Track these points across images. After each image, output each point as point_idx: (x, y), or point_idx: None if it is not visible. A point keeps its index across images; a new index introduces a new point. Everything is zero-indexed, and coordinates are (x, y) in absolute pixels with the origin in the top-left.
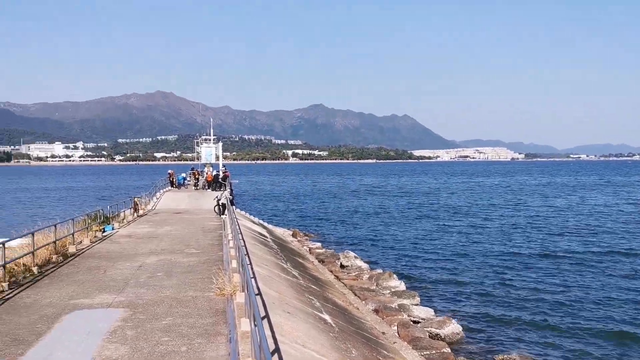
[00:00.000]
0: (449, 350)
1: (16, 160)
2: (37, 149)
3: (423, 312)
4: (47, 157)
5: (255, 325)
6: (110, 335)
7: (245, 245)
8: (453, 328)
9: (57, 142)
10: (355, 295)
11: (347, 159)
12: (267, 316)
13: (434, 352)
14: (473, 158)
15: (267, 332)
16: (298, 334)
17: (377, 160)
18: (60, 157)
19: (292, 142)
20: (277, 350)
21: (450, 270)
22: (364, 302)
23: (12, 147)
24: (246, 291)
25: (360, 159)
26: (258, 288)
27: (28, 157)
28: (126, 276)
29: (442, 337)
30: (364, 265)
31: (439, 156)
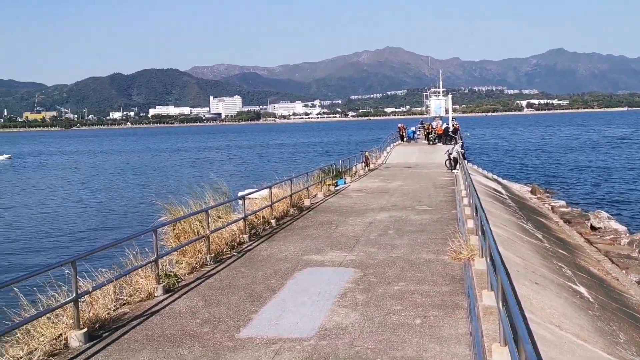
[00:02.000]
0: None
1: (264, 119)
2: (281, 108)
3: None
4: (289, 115)
5: (503, 305)
6: (340, 299)
7: (480, 204)
8: None
9: (297, 101)
10: (613, 263)
11: (592, 108)
12: (511, 288)
13: None
14: None
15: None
16: (550, 311)
17: (629, 108)
18: (300, 115)
19: (526, 91)
20: (527, 332)
21: None
22: (624, 271)
23: (261, 106)
24: (487, 258)
25: (608, 107)
26: (499, 253)
27: (274, 115)
28: (357, 233)
29: None
30: (621, 228)
31: None
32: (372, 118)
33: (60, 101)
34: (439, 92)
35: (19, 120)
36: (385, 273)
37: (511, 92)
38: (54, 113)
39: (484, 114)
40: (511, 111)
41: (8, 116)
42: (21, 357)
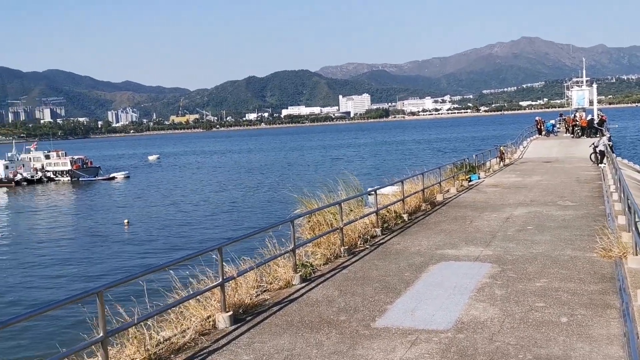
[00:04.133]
0: None
1: (393, 116)
2: (410, 105)
3: None
4: (418, 111)
5: None
6: (477, 293)
7: (633, 199)
8: None
9: (427, 97)
10: None
11: None
12: None
13: None
14: None
15: None
16: None
17: None
18: (430, 111)
19: None
20: None
21: None
22: None
23: (389, 104)
24: None
25: None
26: None
27: (402, 112)
28: (493, 228)
29: None
30: None
31: None
32: (505, 112)
33: (201, 104)
34: (581, 83)
35: (166, 123)
36: (525, 269)
37: None
38: (196, 116)
39: (634, 104)
40: None
41: (157, 119)
42: (175, 335)
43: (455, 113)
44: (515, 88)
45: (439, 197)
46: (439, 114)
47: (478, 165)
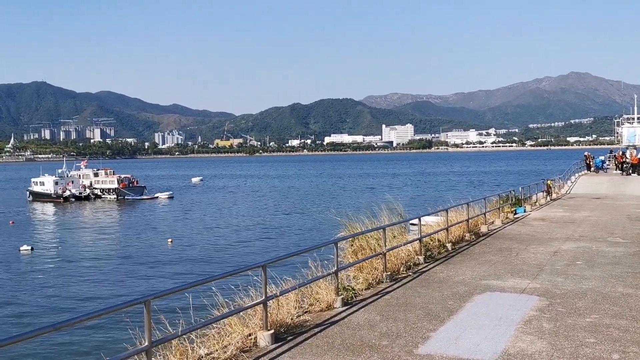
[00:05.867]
0: None
1: (436, 147)
2: (453, 137)
3: None
4: (462, 143)
5: None
6: (524, 325)
7: None
8: None
9: (471, 130)
10: None
11: None
12: None
13: None
14: None
15: None
16: None
17: None
18: (474, 144)
19: None
20: None
21: None
22: None
23: (432, 135)
24: None
25: None
26: None
27: (446, 144)
28: (540, 261)
29: None
30: None
31: None
32: (552, 147)
33: (246, 129)
34: (633, 119)
35: (210, 146)
36: (574, 304)
37: None
38: (240, 140)
39: None
40: None
41: (202, 142)
42: (217, 350)
43: (500, 146)
44: (562, 123)
45: (484, 228)
46: (483, 146)
47: (524, 198)
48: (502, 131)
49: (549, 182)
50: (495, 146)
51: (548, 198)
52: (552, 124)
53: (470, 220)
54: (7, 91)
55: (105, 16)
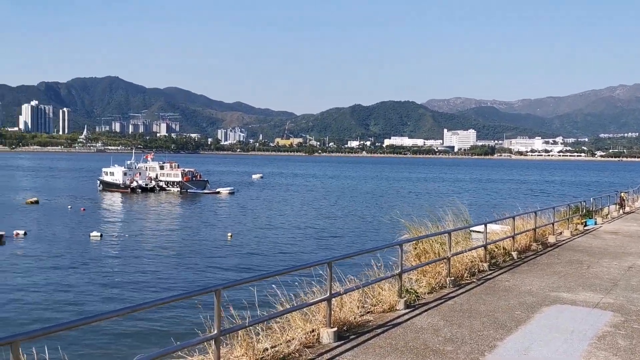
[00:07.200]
0: None
1: (498, 154)
2: (518, 144)
3: None
4: (526, 151)
5: None
6: (597, 341)
7: None
8: None
9: (537, 137)
10: None
11: None
12: None
13: None
14: None
15: None
16: None
17: None
18: (539, 152)
19: None
20: None
21: None
22: None
23: (496, 141)
24: None
25: None
26: None
27: (509, 151)
28: (613, 276)
29: None
30: None
31: None
32: (624, 159)
33: (306, 129)
34: None
35: (271, 144)
36: None
37: None
38: (300, 140)
39: None
40: None
41: (263, 140)
42: (280, 344)
43: (567, 155)
44: (637, 134)
45: (551, 239)
46: (548, 155)
47: (595, 210)
48: (570, 140)
49: (622, 194)
50: (562, 155)
51: (621, 211)
52: (625, 135)
53: (537, 230)
54: (82, 85)
55: (176, 15)
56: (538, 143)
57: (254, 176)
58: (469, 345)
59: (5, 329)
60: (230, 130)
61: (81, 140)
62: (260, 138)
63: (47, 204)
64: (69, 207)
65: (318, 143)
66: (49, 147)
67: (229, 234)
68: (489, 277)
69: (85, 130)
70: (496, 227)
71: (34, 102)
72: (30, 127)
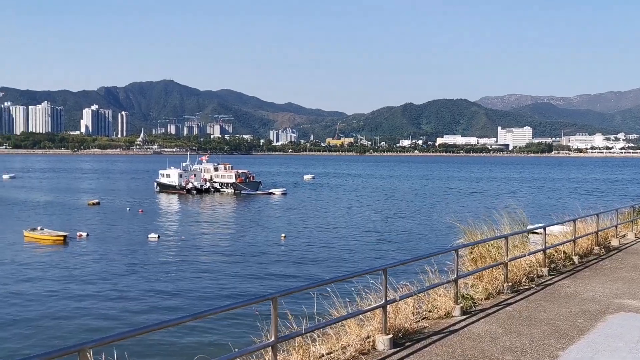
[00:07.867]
0: None
1: (556, 152)
2: (576, 140)
3: None
4: (586, 148)
5: None
6: None
7: None
8: None
9: (597, 134)
10: None
11: None
12: None
13: None
14: None
15: None
16: None
17: None
18: (599, 149)
19: None
20: None
21: None
22: None
23: (553, 138)
24: None
25: None
26: None
27: (568, 148)
28: None
29: None
30: None
31: None
32: None
33: (357, 129)
34: None
35: (322, 144)
36: None
37: None
38: (351, 139)
39: None
40: None
41: (314, 141)
42: (336, 350)
43: (630, 153)
44: None
45: (614, 242)
46: (610, 152)
47: None
48: (633, 136)
49: None
50: (625, 152)
51: None
52: None
53: (599, 232)
54: (139, 89)
55: (227, 20)
56: (598, 140)
57: (305, 177)
58: (529, 355)
59: (63, 331)
60: (282, 131)
61: (138, 142)
62: (312, 138)
63: (107, 206)
64: (128, 208)
65: (369, 142)
66: (108, 150)
67: (283, 235)
68: (548, 282)
69: (142, 132)
70: (555, 229)
71: (94, 107)
72: (91, 130)
